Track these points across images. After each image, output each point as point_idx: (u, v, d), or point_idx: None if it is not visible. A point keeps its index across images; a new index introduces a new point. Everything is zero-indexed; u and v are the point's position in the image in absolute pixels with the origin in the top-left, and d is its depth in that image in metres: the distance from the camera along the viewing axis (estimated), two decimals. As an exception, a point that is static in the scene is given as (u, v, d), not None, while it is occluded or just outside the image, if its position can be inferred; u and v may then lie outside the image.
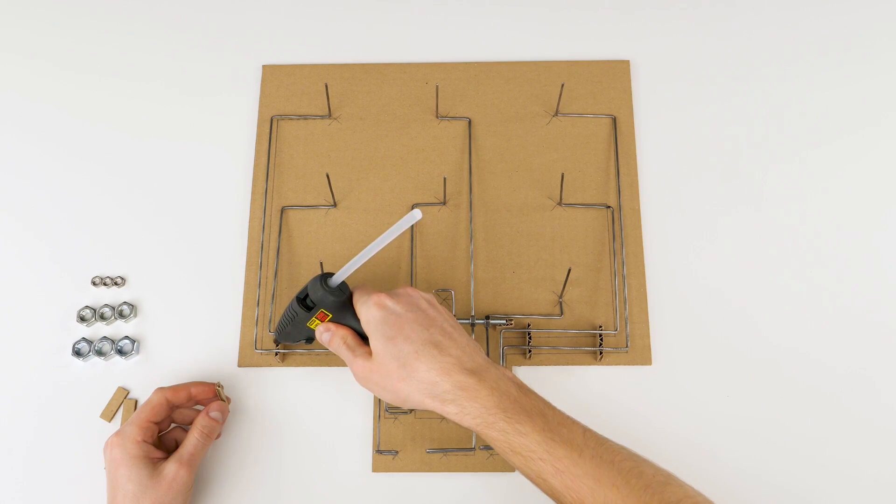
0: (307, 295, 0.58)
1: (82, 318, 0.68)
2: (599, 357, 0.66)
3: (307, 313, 0.58)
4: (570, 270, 0.65)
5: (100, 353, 0.66)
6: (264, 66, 0.77)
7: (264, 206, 0.71)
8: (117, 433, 0.59)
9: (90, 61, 0.78)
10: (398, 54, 0.78)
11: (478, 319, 0.66)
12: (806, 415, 0.65)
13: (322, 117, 0.75)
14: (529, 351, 0.66)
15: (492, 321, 0.66)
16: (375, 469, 0.64)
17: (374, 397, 0.65)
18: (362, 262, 0.57)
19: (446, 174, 0.72)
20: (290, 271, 0.69)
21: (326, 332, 0.59)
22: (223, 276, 0.70)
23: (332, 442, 0.64)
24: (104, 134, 0.75)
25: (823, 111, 0.75)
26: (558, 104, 0.74)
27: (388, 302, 0.56)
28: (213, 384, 0.63)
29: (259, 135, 0.74)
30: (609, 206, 0.71)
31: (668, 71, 0.77)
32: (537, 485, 0.51)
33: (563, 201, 0.71)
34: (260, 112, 0.75)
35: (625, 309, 0.68)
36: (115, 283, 0.69)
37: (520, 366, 0.66)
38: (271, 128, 0.74)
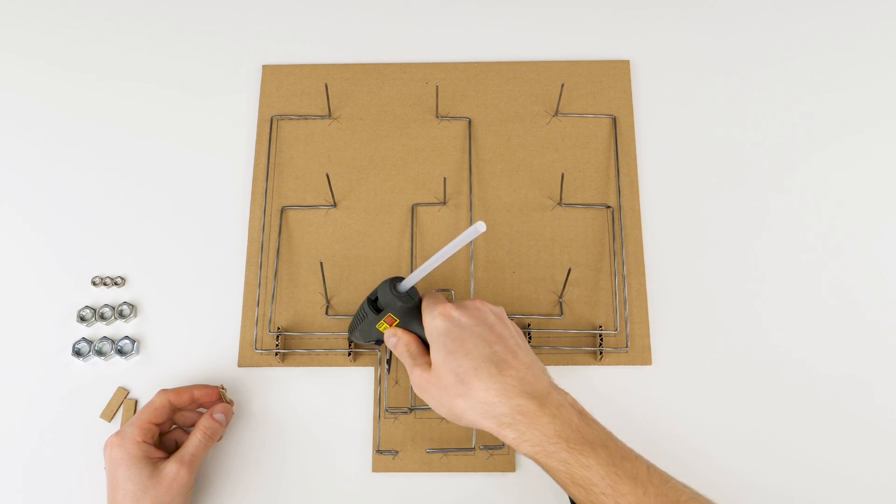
0: (377, 297, 0.58)
1: (82, 318, 0.68)
2: (599, 357, 0.66)
3: (376, 316, 0.58)
4: (570, 270, 0.65)
5: (100, 353, 0.66)
6: (264, 66, 0.77)
7: (264, 206, 0.71)
8: (118, 433, 0.59)
9: (90, 61, 0.78)
10: (398, 54, 0.78)
11: (478, 319, 0.66)
12: (805, 415, 0.65)
13: (322, 117, 0.75)
14: (529, 351, 0.66)
15: (492, 321, 0.66)
16: (375, 469, 0.64)
17: (374, 397, 0.65)
18: (430, 269, 0.55)
19: (446, 174, 0.72)
20: (290, 271, 0.70)
21: (393, 337, 0.58)
22: (223, 276, 0.70)
23: (332, 442, 0.64)
24: (104, 134, 0.75)
25: (824, 111, 0.75)
26: (558, 104, 0.74)
27: (455, 313, 0.55)
28: (216, 387, 0.63)
29: (259, 135, 0.74)
30: (609, 206, 0.71)
31: (668, 71, 0.77)
32: None
33: (563, 201, 0.71)
34: (260, 112, 0.75)
35: (625, 309, 0.68)
36: (115, 283, 0.69)
37: (520, 366, 0.66)
38: (271, 128, 0.74)
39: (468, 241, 0.52)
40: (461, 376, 0.52)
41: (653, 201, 0.72)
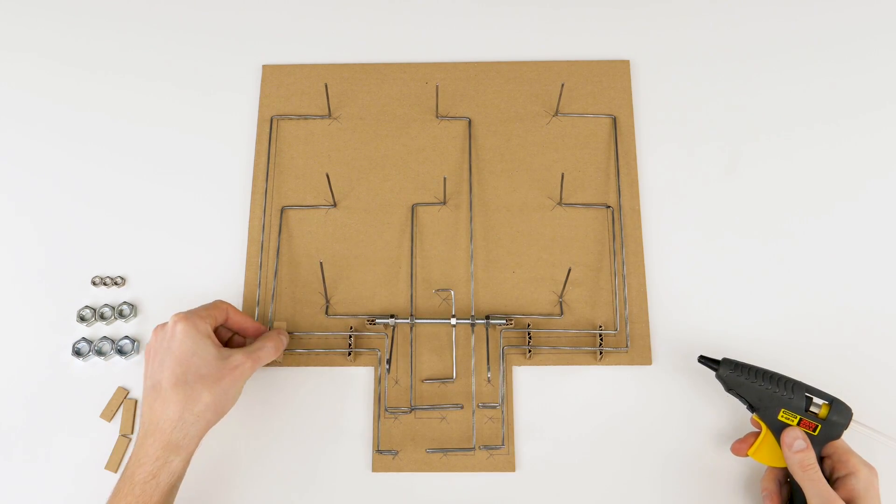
0: (821, 400, 0.57)
1: (82, 318, 0.68)
2: (599, 357, 0.66)
3: (803, 408, 0.57)
4: (570, 270, 0.65)
5: (100, 353, 0.66)
6: (264, 66, 0.77)
7: (264, 206, 0.71)
8: (184, 313, 0.58)
9: (90, 60, 0.78)
10: (398, 54, 0.78)
11: (478, 319, 0.66)
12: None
13: (322, 117, 0.75)
14: (529, 351, 0.66)
15: (492, 321, 0.66)
16: (375, 469, 0.64)
17: (374, 397, 0.65)
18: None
19: (446, 174, 0.72)
20: (290, 271, 0.69)
21: (802, 441, 0.57)
22: (223, 276, 0.70)
23: (333, 442, 0.64)
24: (104, 133, 0.75)
25: (825, 111, 0.75)
26: (558, 104, 0.74)
27: (877, 482, 0.56)
28: (267, 327, 0.65)
29: (259, 134, 0.74)
30: (609, 206, 0.71)
31: (668, 71, 0.77)
32: None
33: (563, 201, 0.71)
34: (260, 112, 0.75)
35: (625, 309, 0.68)
36: (115, 283, 0.69)
37: (520, 366, 0.66)
38: (271, 128, 0.74)
39: None
40: None
41: (653, 201, 0.72)
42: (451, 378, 0.66)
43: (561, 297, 0.68)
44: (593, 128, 0.74)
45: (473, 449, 0.64)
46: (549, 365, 0.67)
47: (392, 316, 0.66)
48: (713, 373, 0.60)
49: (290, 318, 0.68)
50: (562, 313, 0.68)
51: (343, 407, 0.65)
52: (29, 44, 0.78)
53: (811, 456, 0.56)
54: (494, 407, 0.65)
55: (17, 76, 0.77)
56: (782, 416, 0.58)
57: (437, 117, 0.75)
